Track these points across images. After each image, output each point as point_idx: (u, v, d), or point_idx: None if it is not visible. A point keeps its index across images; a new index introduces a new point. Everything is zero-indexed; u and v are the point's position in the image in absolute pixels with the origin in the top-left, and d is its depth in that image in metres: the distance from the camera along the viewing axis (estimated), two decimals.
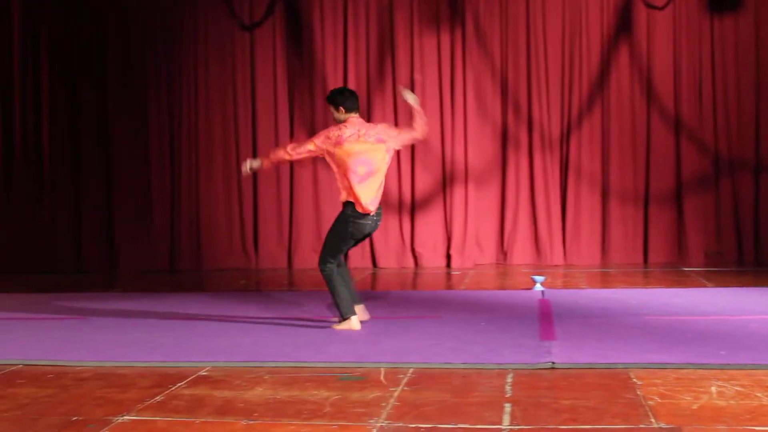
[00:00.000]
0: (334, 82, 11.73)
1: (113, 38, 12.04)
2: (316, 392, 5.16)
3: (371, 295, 9.30)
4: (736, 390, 5.03)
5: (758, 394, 4.93)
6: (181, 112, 12.06)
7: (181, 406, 4.93)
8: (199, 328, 7.26)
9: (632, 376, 5.37)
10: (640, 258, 11.43)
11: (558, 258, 11.49)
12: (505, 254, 11.63)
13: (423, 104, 11.50)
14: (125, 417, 4.72)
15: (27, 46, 12.18)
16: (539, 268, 11.05)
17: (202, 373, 5.70)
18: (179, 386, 5.36)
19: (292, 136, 11.85)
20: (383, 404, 4.88)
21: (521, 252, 11.59)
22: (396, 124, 11.67)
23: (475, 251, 11.62)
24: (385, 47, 11.81)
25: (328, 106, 7.26)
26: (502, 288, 9.54)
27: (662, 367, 5.58)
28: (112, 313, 8.16)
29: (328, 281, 7.03)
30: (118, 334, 7.11)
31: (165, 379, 5.54)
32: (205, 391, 5.25)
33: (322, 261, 7.06)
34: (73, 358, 6.18)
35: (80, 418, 4.72)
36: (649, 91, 11.47)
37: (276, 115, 11.94)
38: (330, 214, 11.61)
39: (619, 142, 11.45)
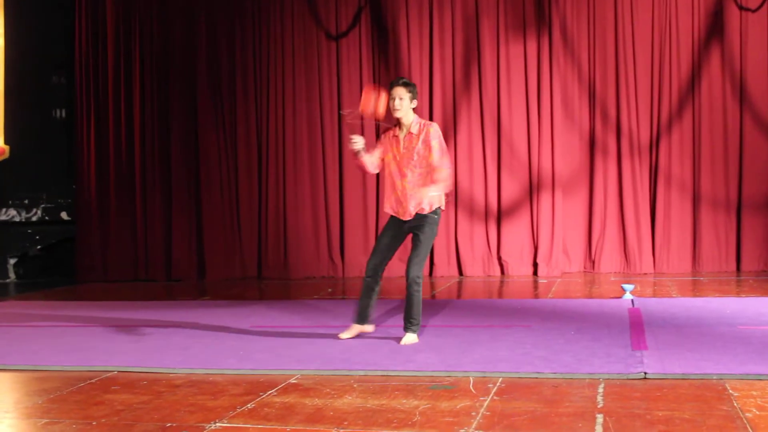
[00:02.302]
0: (420, 91, 11.74)
1: (203, 48, 12.27)
2: (405, 401, 5.15)
3: (457, 303, 9.29)
4: None
5: None
6: (269, 122, 12.21)
7: (271, 413, 4.97)
8: (288, 337, 7.33)
9: (728, 388, 5.25)
10: (732, 266, 11.18)
11: (647, 266, 11.30)
12: (593, 262, 11.49)
13: (510, 111, 11.52)
14: (217, 424, 4.78)
15: (120, 61, 12.48)
16: (628, 276, 10.89)
17: (293, 381, 5.75)
18: (270, 394, 5.41)
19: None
20: (473, 414, 4.85)
21: (609, 260, 11.43)
22: (482, 132, 11.68)
23: (562, 259, 11.50)
24: (471, 55, 11.78)
25: (408, 96, 6.83)
26: (591, 297, 9.41)
27: (759, 378, 5.45)
28: (201, 321, 8.28)
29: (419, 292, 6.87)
30: (208, 341, 7.22)
31: (255, 386, 5.61)
32: (296, 398, 5.29)
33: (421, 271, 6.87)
34: (166, 365, 6.29)
35: (174, 425, 4.80)
36: (742, 95, 11.21)
37: (362, 122, 11.97)
38: None
39: (711, 148, 11.22)
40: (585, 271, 11.53)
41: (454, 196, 11.65)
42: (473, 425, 4.65)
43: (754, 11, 11.21)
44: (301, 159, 12.14)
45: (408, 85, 6.84)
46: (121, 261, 12.40)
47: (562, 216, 11.50)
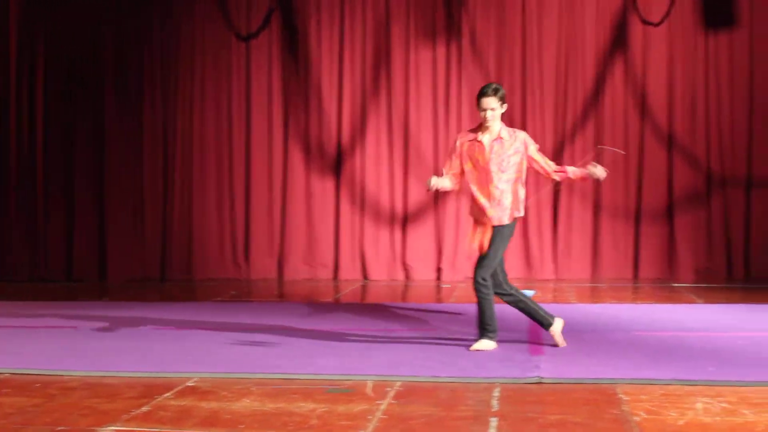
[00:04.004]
0: (329, 95, 11.79)
1: (109, 48, 12.03)
2: (303, 404, 5.15)
3: (360, 307, 9.31)
4: (722, 407, 5.03)
5: (744, 411, 4.93)
6: (176, 122, 12.05)
7: (166, 416, 4.92)
8: (188, 339, 7.25)
9: (619, 392, 5.38)
10: (630, 273, 11.44)
11: (549, 272, 11.50)
12: None
13: (418, 116, 11.63)
14: (110, 427, 4.71)
15: (24, 57, 12.17)
16: (530, 282, 11.06)
17: (190, 383, 5.69)
18: (166, 397, 5.35)
19: (286, 148, 11.85)
20: (370, 417, 4.87)
21: (512, 266, 11.50)
22: (390, 137, 11.74)
23: (466, 264, 11.59)
24: (381, 60, 11.83)
25: (498, 105, 6.61)
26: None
27: (649, 382, 5.60)
28: (101, 322, 8.13)
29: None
30: (107, 343, 7.10)
31: (152, 389, 5.53)
32: (192, 401, 5.24)
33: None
34: (61, 368, 6.17)
35: (65, 429, 4.71)
36: (643, 107, 11.49)
37: (270, 126, 11.94)
38: (322, 226, 11.68)
39: (612, 158, 11.45)
40: None
41: (361, 199, 11.69)
42: (369, 429, 4.67)
43: (656, 25, 11.50)
44: (208, 160, 12.02)
45: (497, 92, 6.62)
46: (20, 261, 12.08)
47: (467, 221, 11.58)
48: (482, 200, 6.66)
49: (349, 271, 11.72)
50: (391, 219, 11.71)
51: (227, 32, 12.04)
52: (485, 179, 6.64)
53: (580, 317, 8.21)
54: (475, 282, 6.66)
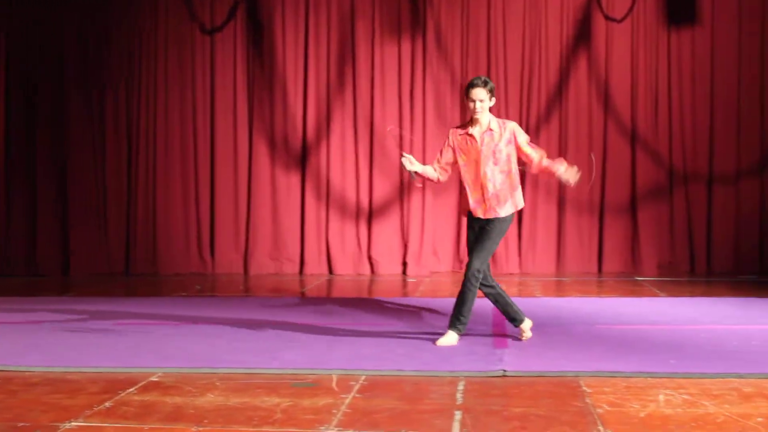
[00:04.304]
0: (294, 89, 11.75)
1: (71, 40, 11.91)
2: (267, 399, 5.14)
3: (326, 301, 9.31)
4: (683, 398, 5.09)
5: (704, 403, 4.99)
6: (139, 116, 11.96)
7: (129, 412, 4.89)
8: (152, 334, 7.21)
9: (582, 384, 5.42)
10: (594, 268, 11.52)
11: (513, 266, 11.56)
12: (461, 262, 11.66)
13: (383, 111, 11.64)
14: (72, 423, 4.68)
15: None
16: (495, 276, 11.00)
17: (153, 379, 5.67)
18: (129, 392, 5.32)
19: (250, 140, 11.82)
20: (334, 411, 4.88)
21: None
22: (355, 132, 11.74)
23: (432, 259, 11.66)
24: (346, 55, 11.81)
25: (488, 97, 6.66)
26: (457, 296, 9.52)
27: (612, 375, 5.65)
28: (64, 317, 8.07)
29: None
30: (69, 338, 7.04)
31: (115, 384, 5.50)
32: (155, 397, 5.21)
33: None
34: (23, 363, 6.11)
35: (26, 425, 4.67)
36: (607, 102, 11.58)
37: (235, 119, 11.89)
38: (288, 221, 11.66)
39: (576, 152, 11.51)
40: (453, 271, 11.70)
41: (326, 194, 11.69)
42: (334, 422, 4.67)
43: (619, 22, 11.58)
44: (173, 154, 11.94)
45: (487, 84, 6.65)
46: None
47: (432, 216, 11.66)
48: (476, 194, 6.67)
49: (315, 266, 11.70)
50: (357, 213, 11.71)
51: (191, 25, 11.96)
52: (478, 172, 6.66)
53: (545, 311, 8.26)
54: (469, 273, 6.66)
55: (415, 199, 11.58)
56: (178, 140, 11.94)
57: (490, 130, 6.66)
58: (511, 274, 11.44)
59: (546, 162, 6.77)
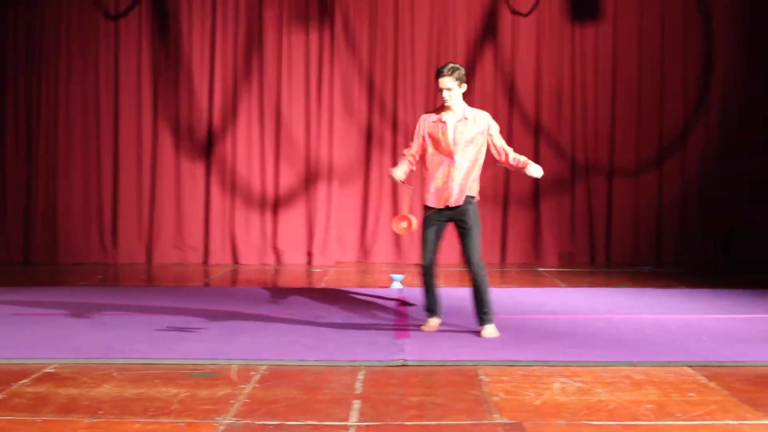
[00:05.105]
0: (200, 77, 11.62)
1: None
2: (164, 389, 5.10)
3: (229, 291, 9.25)
4: (578, 386, 5.21)
5: (597, 390, 5.12)
6: (40, 102, 11.66)
7: (22, 404, 4.79)
8: (49, 324, 7.06)
9: (480, 373, 5.51)
10: (497, 258, 11.67)
11: (418, 257, 11.59)
12: (366, 252, 11.72)
13: (290, 101, 11.59)
14: None
15: None
16: (400, 266, 11.16)
17: (48, 370, 5.56)
18: (22, 384, 5.21)
19: (155, 128, 11.64)
20: (232, 401, 4.86)
21: (382, 250, 11.70)
22: (261, 121, 11.67)
23: (337, 249, 11.67)
24: (253, 44, 11.72)
25: (456, 84, 6.62)
26: (362, 286, 9.59)
27: (510, 364, 5.75)
28: None
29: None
30: None
31: (7, 376, 5.38)
32: (50, 389, 5.12)
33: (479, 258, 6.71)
34: None
35: None
36: (512, 95, 11.74)
37: (139, 107, 11.69)
38: (192, 210, 11.53)
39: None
40: (359, 261, 11.74)
41: (231, 183, 11.59)
42: (231, 413, 4.65)
43: (524, 15, 11.75)
44: (74, 141, 11.68)
45: (454, 72, 6.58)
46: None
47: (338, 206, 11.67)
48: (441, 181, 6.63)
49: (220, 256, 11.61)
50: (262, 203, 11.65)
51: (95, 11, 11.70)
52: (449, 159, 6.62)
53: (447, 301, 8.26)
54: (473, 265, 6.64)
55: (321, 190, 11.57)
56: (80, 128, 11.69)
57: (465, 118, 6.63)
58: (415, 264, 11.47)
59: (517, 157, 6.74)
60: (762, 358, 5.99)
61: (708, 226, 11.69)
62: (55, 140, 11.65)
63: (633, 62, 11.77)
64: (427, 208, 6.74)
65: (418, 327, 6.94)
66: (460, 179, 6.61)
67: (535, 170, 6.73)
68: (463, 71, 6.66)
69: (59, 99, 11.65)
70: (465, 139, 6.60)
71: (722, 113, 11.78)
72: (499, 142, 6.75)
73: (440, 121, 6.67)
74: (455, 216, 6.69)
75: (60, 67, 11.65)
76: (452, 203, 6.64)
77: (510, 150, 6.80)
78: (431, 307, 6.92)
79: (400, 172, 6.79)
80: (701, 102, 11.81)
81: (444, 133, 6.62)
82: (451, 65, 6.65)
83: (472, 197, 6.72)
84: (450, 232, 6.87)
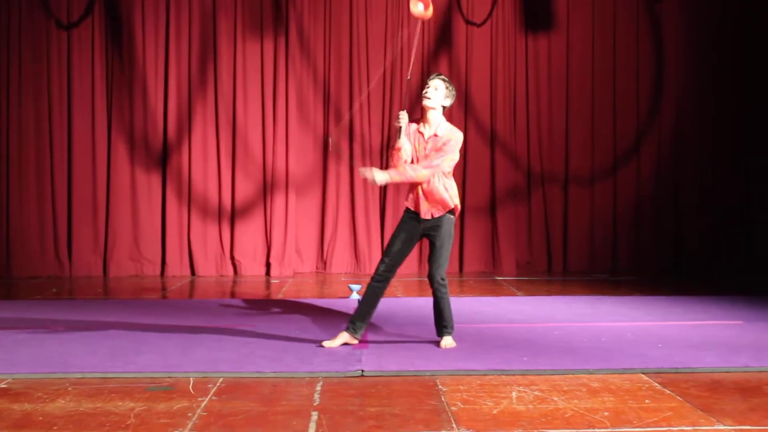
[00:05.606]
0: (154, 86, 11.53)
1: None
2: (120, 403, 5.05)
3: (186, 303, 9.19)
4: (535, 395, 5.24)
5: (554, 398, 5.15)
6: None
7: None
8: (2, 339, 6.95)
9: (438, 383, 5.52)
10: (455, 268, 11.70)
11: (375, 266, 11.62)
12: (324, 263, 11.70)
13: (245, 110, 11.55)
14: None
15: None
16: (358, 277, 11.17)
17: (2, 385, 5.48)
18: None
19: (109, 139, 11.53)
20: (189, 414, 4.83)
21: (341, 261, 11.69)
22: (217, 131, 11.62)
23: (295, 259, 11.64)
24: (208, 52, 11.67)
25: (443, 89, 6.60)
26: (320, 296, 9.58)
27: (467, 373, 5.77)
28: None
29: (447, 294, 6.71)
30: None
31: None
32: (3, 404, 5.05)
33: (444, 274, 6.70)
34: None
35: None
36: (467, 105, 11.81)
37: (93, 117, 11.57)
38: (148, 222, 11.44)
39: None
40: (317, 271, 11.72)
41: (188, 194, 11.52)
42: (188, 426, 4.63)
43: (479, 26, 11.83)
44: (27, 153, 11.51)
45: (449, 86, 6.58)
46: None
47: (296, 216, 11.64)
48: (415, 190, 6.62)
49: (177, 267, 11.52)
50: (219, 214, 11.58)
51: (46, 20, 11.57)
52: None
53: (406, 311, 8.37)
54: (435, 282, 6.64)
55: (278, 200, 11.54)
56: (32, 139, 11.53)
57: (435, 135, 6.58)
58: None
59: (411, 167, 6.55)
60: (716, 363, 6.07)
61: (661, 234, 11.84)
62: (7, 151, 11.46)
63: (586, 71, 11.92)
64: (406, 210, 6.73)
65: (376, 338, 6.93)
66: (428, 187, 6.55)
67: (371, 175, 6.49)
68: (455, 93, 6.67)
69: (11, 109, 11.46)
70: (428, 155, 6.55)
71: (674, 121, 11.96)
72: (434, 156, 6.50)
73: (419, 131, 6.67)
74: (427, 229, 6.67)
75: (11, 77, 11.46)
76: (422, 215, 6.63)
77: (421, 165, 6.51)
78: (356, 318, 6.70)
79: (404, 123, 6.59)
80: (654, 111, 11.99)
81: (419, 144, 6.62)
82: (446, 77, 6.70)
83: (449, 211, 6.66)
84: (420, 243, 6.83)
